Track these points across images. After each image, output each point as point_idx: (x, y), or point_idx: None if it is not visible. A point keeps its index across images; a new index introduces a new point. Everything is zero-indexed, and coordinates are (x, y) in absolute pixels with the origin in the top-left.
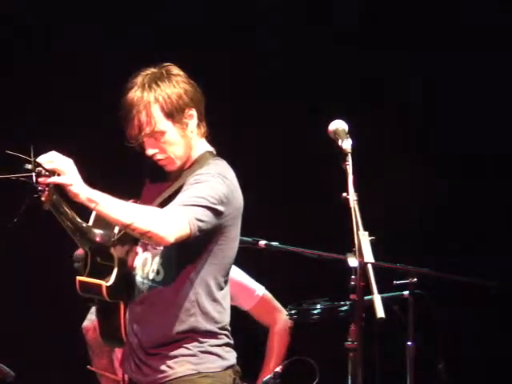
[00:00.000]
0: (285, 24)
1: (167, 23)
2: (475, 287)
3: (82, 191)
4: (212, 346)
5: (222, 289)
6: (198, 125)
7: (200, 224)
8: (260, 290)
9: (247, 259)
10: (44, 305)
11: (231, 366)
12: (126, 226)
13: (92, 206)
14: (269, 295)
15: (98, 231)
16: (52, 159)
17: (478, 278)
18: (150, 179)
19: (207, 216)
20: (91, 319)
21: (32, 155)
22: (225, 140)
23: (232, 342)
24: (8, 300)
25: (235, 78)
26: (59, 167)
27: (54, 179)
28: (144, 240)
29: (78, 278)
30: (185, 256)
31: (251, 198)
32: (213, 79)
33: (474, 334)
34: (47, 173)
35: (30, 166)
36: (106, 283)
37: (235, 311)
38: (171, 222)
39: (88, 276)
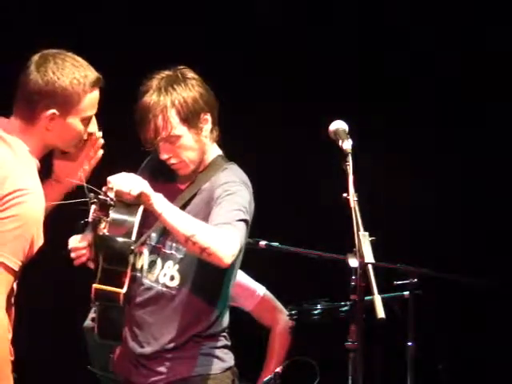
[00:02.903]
0: (285, 24)
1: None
2: (475, 287)
3: (153, 197)
4: (211, 348)
5: (228, 293)
6: (212, 129)
7: (243, 240)
8: (261, 290)
9: (247, 259)
10: (44, 304)
11: (230, 368)
12: (188, 238)
13: (158, 212)
14: (270, 295)
15: (119, 239)
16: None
17: (478, 278)
18: (152, 177)
19: (245, 229)
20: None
21: (85, 184)
22: (225, 140)
23: (230, 343)
24: None
25: (235, 78)
26: (137, 188)
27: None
28: (202, 257)
29: (94, 285)
30: (205, 264)
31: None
32: (213, 79)
33: (473, 334)
34: (111, 202)
35: (91, 195)
36: (122, 290)
37: (235, 311)
38: (229, 243)
39: (100, 283)
